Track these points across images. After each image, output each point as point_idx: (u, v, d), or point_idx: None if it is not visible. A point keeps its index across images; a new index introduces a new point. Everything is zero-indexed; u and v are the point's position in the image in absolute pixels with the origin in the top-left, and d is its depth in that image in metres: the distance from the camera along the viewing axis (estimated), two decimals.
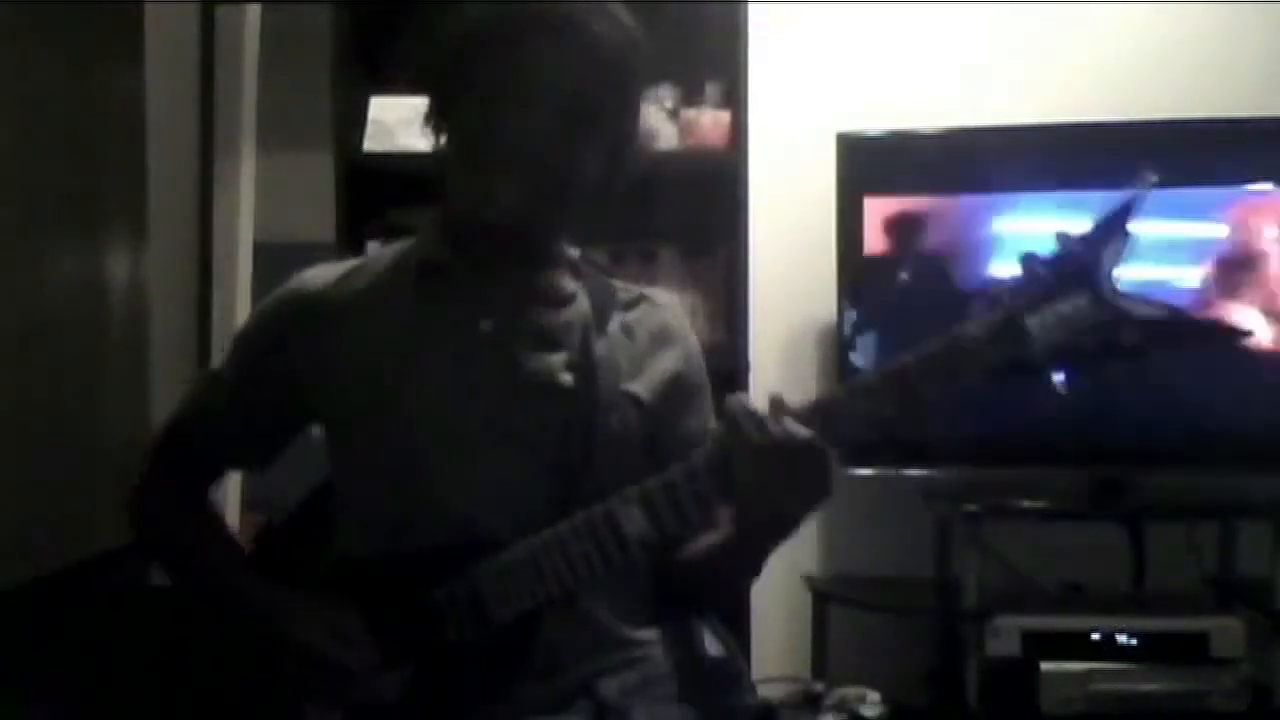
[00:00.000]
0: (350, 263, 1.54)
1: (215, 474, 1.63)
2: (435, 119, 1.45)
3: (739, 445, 1.26)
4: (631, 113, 1.45)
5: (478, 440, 1.40)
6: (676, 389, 1.50)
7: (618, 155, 1.43)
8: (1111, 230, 1.22)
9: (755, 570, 1.44)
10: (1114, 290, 1.21)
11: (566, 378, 1.42)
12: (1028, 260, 1.24)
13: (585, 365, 1.43)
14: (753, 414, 1.26)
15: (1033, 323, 1.22)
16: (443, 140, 1.45)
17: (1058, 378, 1.24)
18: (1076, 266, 1.22)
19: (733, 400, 1.28)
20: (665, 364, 1.49)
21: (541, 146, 1.36)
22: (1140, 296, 1.21)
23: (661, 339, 1.51)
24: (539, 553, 1.33)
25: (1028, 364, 1.23)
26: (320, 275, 1.51)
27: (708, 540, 1.43)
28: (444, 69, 1.43)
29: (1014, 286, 1.24)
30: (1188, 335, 1.22)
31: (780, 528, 1.33)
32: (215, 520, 1.60)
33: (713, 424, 1.52)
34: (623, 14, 1.41)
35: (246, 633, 1.44)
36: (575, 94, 1.37)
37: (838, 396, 1.30)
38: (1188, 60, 2.96)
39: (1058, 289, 1.22)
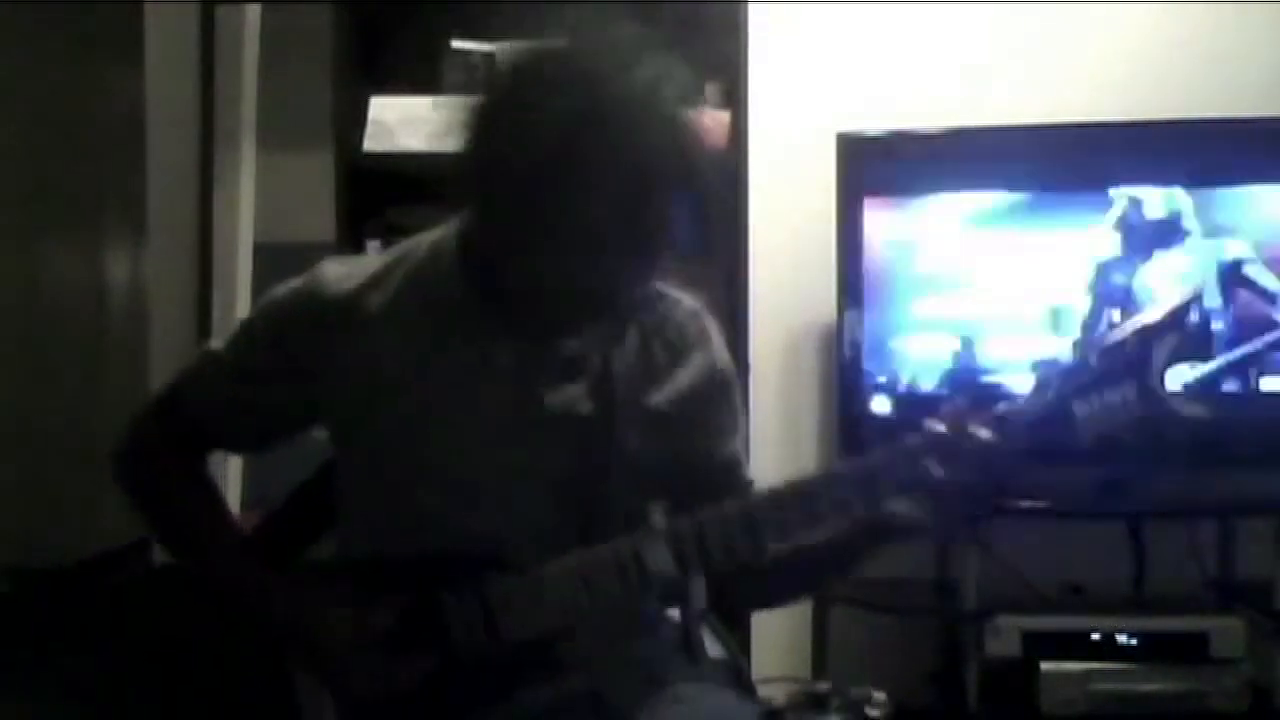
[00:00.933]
0: (369, 267, 1.45)
1: (209, 448, 1.57)
2: (488, 202, 1.32)
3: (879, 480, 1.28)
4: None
5: (494, 473, 1.39)
6: (699, 391, 1.48)
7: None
8: (1167, 325, 1.25)
9: (819, 586, 1.46)
10: (1164, 385, 1.24)
11: (587, 406, 1.40)
12: (1081, 343, 1.27)
13: (605, 387, 1.40)
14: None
15: (1080, 409, 1.25)
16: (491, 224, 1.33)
17: (1095, 465, 1.28)
18: (1128, 357, 1.24)
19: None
20: (686, 372, 1.47)
21: (624, 288, 1.34)
22: (1188, 395, 1.24)
23: (682, 344, 1.47)
24: (561, 581, 1.32)
25: (1070, 450, 1.26)
26: (339, 281, 1.43)
27: (780, 549, 1.41)
28: (526, 188, 1.26)
29: (1065, 370, 1.26)
30: (1232, 439, 1.25)
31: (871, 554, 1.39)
32: (210, 492, 1.54)
33: (739, 421, 1.52)
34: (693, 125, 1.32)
35: (243, 614, 1.43)
36: (657, 229, 1.30)
37: (874, 463, 1.30)
38: (1188, 60, 2.96)
39: (1108, 378, 1.24)
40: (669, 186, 1.27)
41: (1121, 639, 2.60)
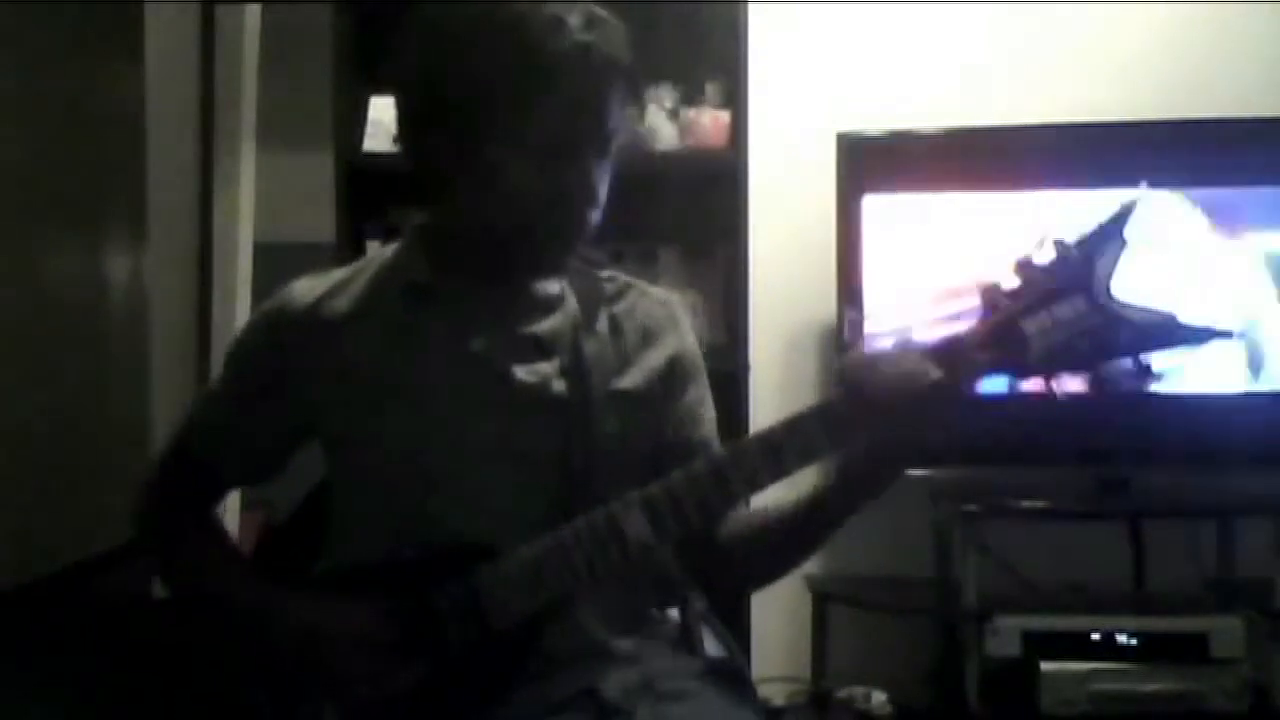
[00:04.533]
0: (336, 275, 1.49)
1: (217, 490, 1.60)
2: (446, 147, 1.37)
3: (876, 382, 1.24)
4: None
5: (473, 457, 1.39)
6: (670, 375, 1.49)
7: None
8: (1108, 236, 1.23)
9: (839, 523, 1.38)
10: (1110, 295, 1.22)
11: (559, 385, 1.42)
12: (1024, 265, 1.24)
13: (577, 370, 1.42)
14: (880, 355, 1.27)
15: (1030, 327, 1.23)
16: (442, 161, 1.38)
17: (1055, 383, 1.25)
18: (1073, 271, 1.23)
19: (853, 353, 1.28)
20: (656, 355, 1.49)
21: (593, 198, 1.37)
22: (1137, 302, 1.22)
23: (651, 329, 1.50)
24: (541, 557, 1.33)
25: (1025, 368, 1.24)
26: (307, 291, 1.47)
27: (761, 518, 1.42)
28: (479, 113, 1.33)
29: (1011, 291, 1.25)
30: (1184, 340, 1.23)
31: (896, 467, 1.31)
32: (218, 534, 1.58)
33: (709, 404, 1.53)
34: (619, 25, 1.37)
35: (251, 643, 1.43)
36: (613, 131, 1.36)
37: (836, 406, 1.28)
38: (1188, 60, 2.96)
39: (1054, 294, 1.23)
40: (609, 82, 1.34)
41: (1121, 639, 2.60)
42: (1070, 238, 1.24)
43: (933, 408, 1.25)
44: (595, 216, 1.39)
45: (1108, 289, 1.22)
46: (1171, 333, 1.22)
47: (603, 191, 1.38)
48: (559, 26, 1.31)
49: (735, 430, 1.68)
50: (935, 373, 1.23)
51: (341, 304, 1.45)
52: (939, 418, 1.26)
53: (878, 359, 1.27)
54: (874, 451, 1.29)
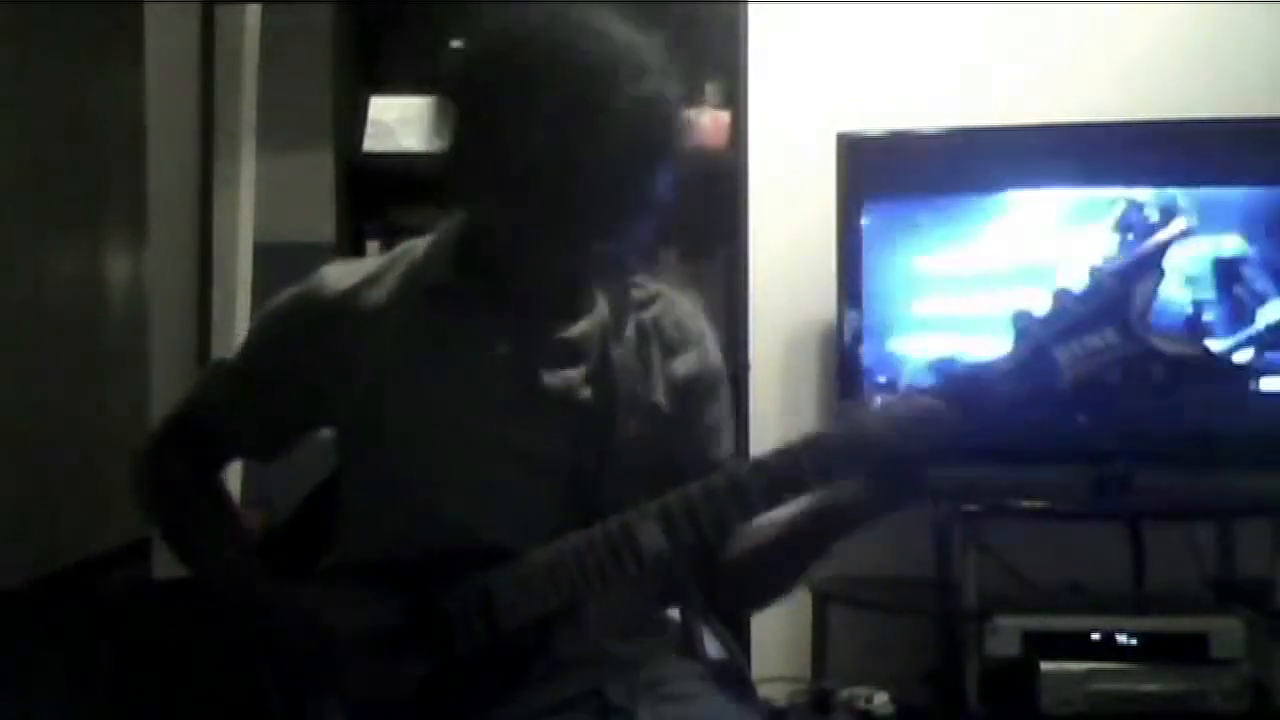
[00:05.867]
0: (367, 266, 1.48)
1: (223, 459, 1.59)
2: (496, 154, 1.33)
3: (860, 442, 1.28)
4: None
5: (487, 459, 1.39)
6: (693, 389, 1.49)
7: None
8: (1145, 265, 1.24)
9: (803, 570, 1.46)
10: (1145, 325, 1.22)
11: (586, 392, 1.41)
12: (1059, 292, 1.25)
13: (604, 376, 1.42)
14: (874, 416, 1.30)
15: (1061, 354, 1.23)
16: (489, 168, 1.35)
17: (1080, 411, 1.27)
18: (1107, 300, 1.23)
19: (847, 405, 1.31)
20: (682, 366, 1.49)
21: (632, 220, 1.38)
22: (1172, 333, 1.23)
23: (678, 339, 1.50)
24: (554, 562, 1.33)
25: (1055, 395, 1.25)
26: (338, 281, 1.46)
27: (760, 538, 1.44)
28: (539, 127, 1.30)
29: (1044, 318, 1.25)
30: (1217, 375, 1.23)
31: (854, 526, 1.37)
32: (224, 504, 1.56)
33: (729, 420, 1.53)
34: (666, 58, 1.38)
35: (249, 623, 1.43)
36: (668, 161, 1.37)
37: (856, 427, 1.31)
38: (1188, 60, 2.96)
39: (1088, 322, 1.23)
40: (665, 143, 1.35)
41: (1121, 639, 2.60)
42: (1107, 265, 1.24)
43: (904, 469, 1.29)
44: (643, 230, 1.39)
45: (1143, 319, 1.22)
46: (1205, 368, 1.23)
47: (651, 205, 1.39)
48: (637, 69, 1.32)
49: (735, 431, 1.69)
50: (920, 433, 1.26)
51: (369, 298, 1.44)
52: (909, 478, 1.30)
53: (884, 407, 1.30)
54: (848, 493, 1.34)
